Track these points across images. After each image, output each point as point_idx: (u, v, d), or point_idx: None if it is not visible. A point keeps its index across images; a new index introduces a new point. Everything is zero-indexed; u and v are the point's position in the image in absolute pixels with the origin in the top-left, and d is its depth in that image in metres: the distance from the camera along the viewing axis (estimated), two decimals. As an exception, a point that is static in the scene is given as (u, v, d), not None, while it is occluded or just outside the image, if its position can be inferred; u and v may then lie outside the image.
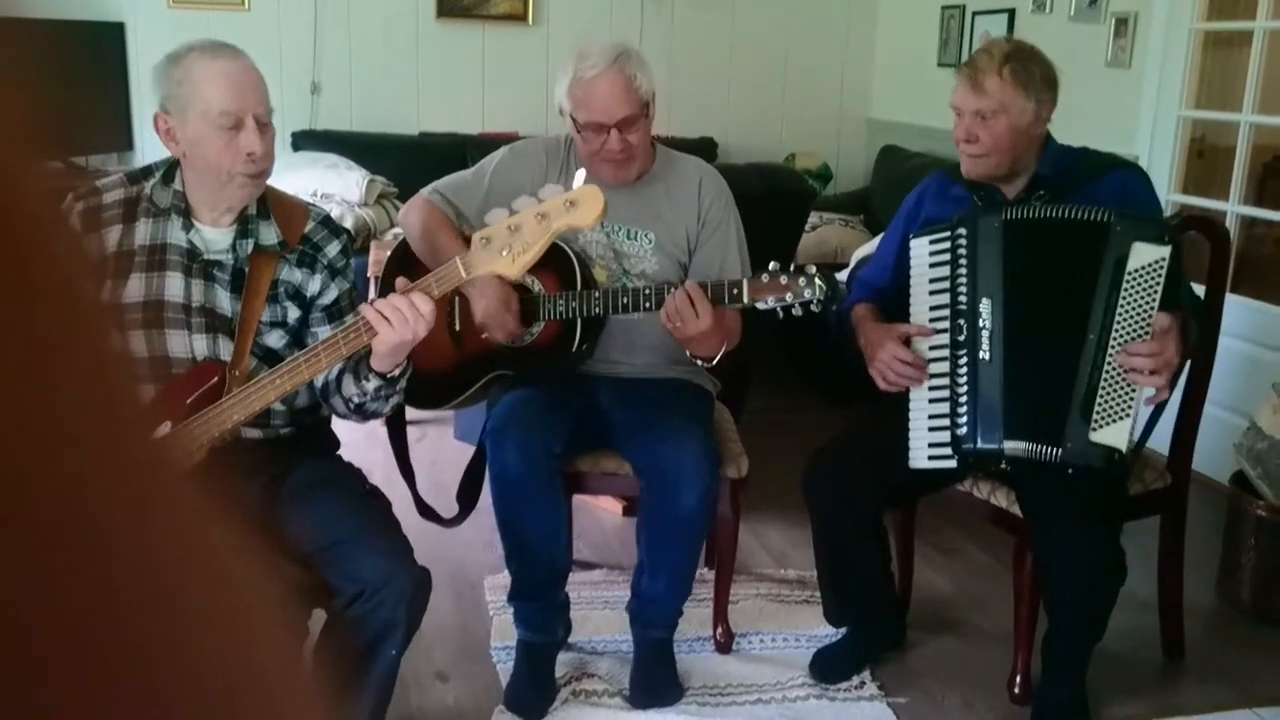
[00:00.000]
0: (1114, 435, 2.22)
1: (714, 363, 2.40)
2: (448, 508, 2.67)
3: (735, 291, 2.25)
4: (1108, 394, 2.22)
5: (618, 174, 2.50)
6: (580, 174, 1.98)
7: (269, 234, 2.08)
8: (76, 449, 0.26)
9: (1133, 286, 2.21)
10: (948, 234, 2.37)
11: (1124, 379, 2.22)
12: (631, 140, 2.47)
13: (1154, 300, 2.19)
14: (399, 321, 1.88)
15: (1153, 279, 2.20)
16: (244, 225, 2.07)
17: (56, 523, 0.25)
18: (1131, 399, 2.21)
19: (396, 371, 2.00)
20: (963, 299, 2.34)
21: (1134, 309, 2.21)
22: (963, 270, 2.34)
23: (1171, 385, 2.27)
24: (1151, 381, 2.20)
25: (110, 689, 0.25)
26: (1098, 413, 2.23)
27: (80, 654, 0.25)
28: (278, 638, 0.31)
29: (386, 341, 1.90)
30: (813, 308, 2.22)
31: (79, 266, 0.29)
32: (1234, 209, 3.88)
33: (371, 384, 2.01)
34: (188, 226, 2.05)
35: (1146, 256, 2.20)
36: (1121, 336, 2.22)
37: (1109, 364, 2.22)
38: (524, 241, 1.89)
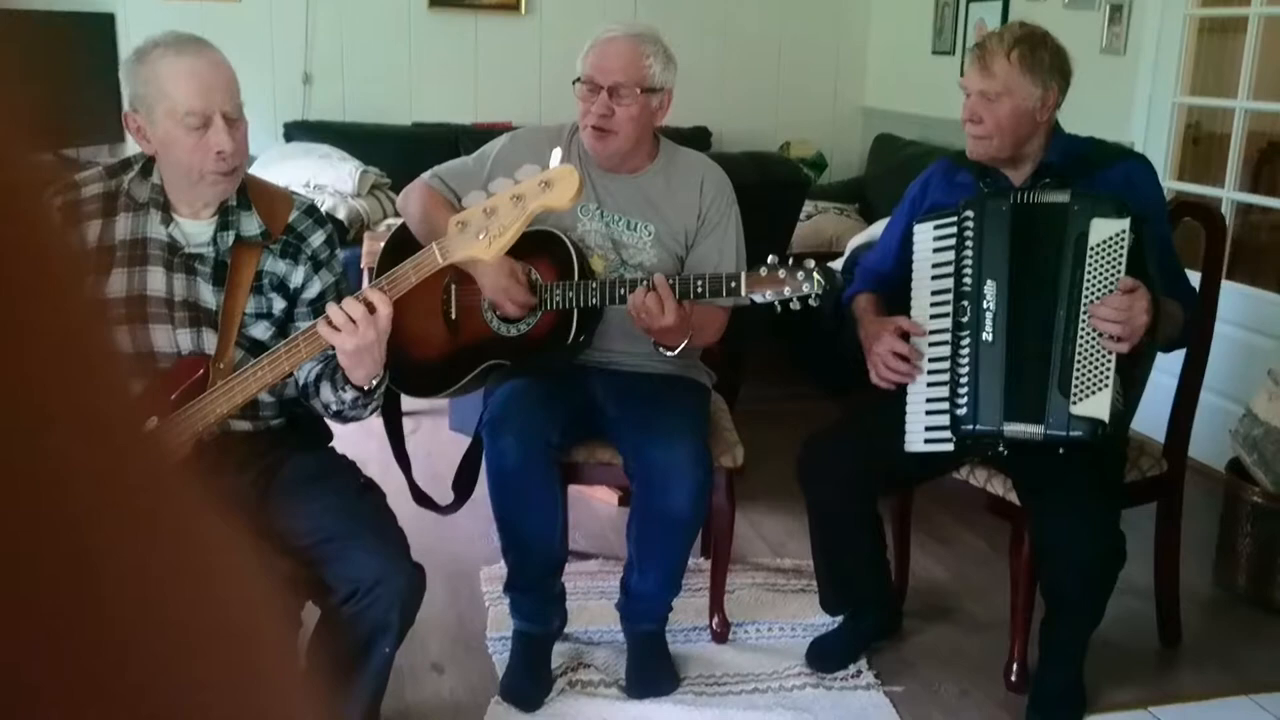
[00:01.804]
0: (1095, 406, 2.24)
1: (676, 352, 2.39)
2: (443, 499, 2.66)
3: (733, 285, 2.25)
4: (1083, 366, 2.25)
5: (594, 145, 2.51)
6: (556, 153, 1.96)
7: (250, 225, 2.06)
8: (69, 445, 0.26)
9: (1096, 260, 2.25)
10: (954, 219, 2.38)
11: (1096, 350, 2.24)
12: (617, 111, 2.46)
13: (1118, 272, 2.23)
14: (349, 329, 1.85)
15: (1115, 253, 2.24)
16: (224, 217, 2.04)
17: (48, 522, 0.24)
18: (1108, 369, 2.24)
19: (373, 383, 1.98)
20: (967, 282, 2.35)
21: (1098, 282, 2.25)
22: (968, 253, 2.35)
23: (1146, 347, 2.27)
24: (1118, 347, 2.21)
25: (101, 688, 0.25)
26: (1076, 385, 2.25)
27: (69, 652, 0.24)
28: (272, 634, 0.31)
29: (344, 350, 1.88)
30: (810, 302, 2.22)
31: (71, 261, 0.29)
32: (1229, 195, 3.88)
33: (349, 395, 1.99)
34: (167, 220, 2.02)
35: (1106, 231, 2.24)
36: (1089, 309, 2.25)
37: (1081, 336, 2.25)
38: (500, 224, 1.86)
